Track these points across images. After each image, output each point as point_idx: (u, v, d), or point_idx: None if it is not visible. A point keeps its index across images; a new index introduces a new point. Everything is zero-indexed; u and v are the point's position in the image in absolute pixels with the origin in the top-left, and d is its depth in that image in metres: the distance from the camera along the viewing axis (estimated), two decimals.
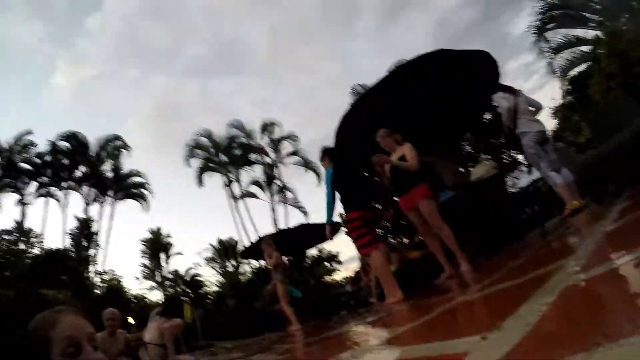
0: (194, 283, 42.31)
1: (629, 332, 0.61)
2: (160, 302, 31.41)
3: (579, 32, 19.62)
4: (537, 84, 57.06)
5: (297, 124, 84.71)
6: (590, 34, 18.37)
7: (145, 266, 42.76)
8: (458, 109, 9.26)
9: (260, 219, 74.68)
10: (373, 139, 6.09)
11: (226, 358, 4.22)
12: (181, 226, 73.57)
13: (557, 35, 20.29)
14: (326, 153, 6.61)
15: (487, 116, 16.94)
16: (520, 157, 17.93)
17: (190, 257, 60.86)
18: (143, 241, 43.22)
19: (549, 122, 30.88)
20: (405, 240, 14.43)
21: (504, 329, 0.96)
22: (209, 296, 40.22)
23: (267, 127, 31.75)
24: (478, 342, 0.92)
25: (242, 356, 3.97)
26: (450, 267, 5.56)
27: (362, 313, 6.09)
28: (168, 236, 43.66)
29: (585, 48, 18.79)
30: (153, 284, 42.49)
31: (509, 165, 17.33)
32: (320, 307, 12.21)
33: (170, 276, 43.29)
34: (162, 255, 43.41)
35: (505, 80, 9.61)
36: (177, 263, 43.90)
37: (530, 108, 6.42)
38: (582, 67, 19.37)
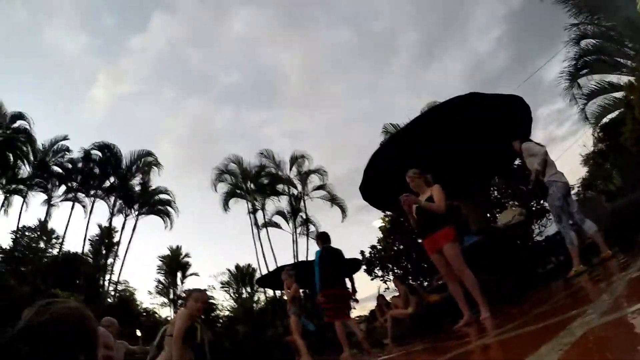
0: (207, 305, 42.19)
1: None
2: (170, 320, 31.26)
3: (613, 78, 19.28)
4: (569, 131, 56.55)
5: (325, 157, 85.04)
6: (623, 79, 18.19)
7: (159, 282, 42.93)
8: (488, 153, 9.23)
9: (280, 249, 74.66)
10: (402, 179, 6.07)
11: None
12: (201, 248, 73.91)
13: (590, 82, 19.99)
14: (319, 237, 7.93)
15: (517, 162, 16.81)
16: (547, 204, 17.67)
17: (205, 279, 60.54)
18: (161, 257, 43.53)
19: (580, 170, 30.60)
20: (425, 283, 14.28)
21: None
22: (220, 320, 40.12)
23: (296, 160, 31.94)
24: None
25: None
26: (470, 313, 5.46)
27: (376, 354, 5.99)
28: (187, 256, 43.83)
29: (619, 94, 18.52)
30: (165, 300, 42.56)
31: (536, 212, 17.10)
32: (332, 343, 12.04)
33: (184, 295, 43.36)
34: (178, 274, 43.49)
35: (536, 126, 9.60)
36: (192, 283, 43.90)
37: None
38: (614, 114, 19.16)
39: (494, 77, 64.84)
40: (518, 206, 13.92)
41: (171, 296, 42.79)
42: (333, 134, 69.68)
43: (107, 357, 2.24)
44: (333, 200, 31.09)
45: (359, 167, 8.81)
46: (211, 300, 42.59)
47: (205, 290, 6.48)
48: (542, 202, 17.60)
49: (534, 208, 17.07)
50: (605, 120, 20.20)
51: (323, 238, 7.77)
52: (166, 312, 41.54)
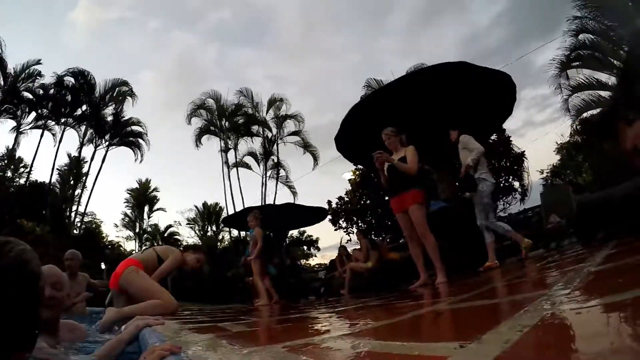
0: (171, 241, 42.24)
1: None
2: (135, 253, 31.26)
3: (602, 76, 19.49)
4: (549, 118, 57.20)
5: (306, 106, 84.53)
6: (612, 80, 18.41)
7: (126, 215, 42.78)
8: (467, 124, 9.26)
9: (249, 191, 74.83)
10: (378, 135, 6.08)
11: (192, 320, 4.20)
12: (170, 183, 73.78)
13: (579, 75, 20.17)
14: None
15: (493, 137, 17.02)
16: (516, 184, 18.04)
17: (172, 215, 60.51)
18: (129, 190, 43.20)
19: (552, 157, 31.06)
20: (387, 240, 14.49)
21: (483, 342, 0.96)
22: None
23: (274, 102, 31.47)
24: (457, 349, 0.92)
25: (208, 321, 3.98)
26: (427, 276, 5.60)
27: (332, 302, 6.12)
28: (155, 190, 43.66)
29: (604, 93, 18.75)
30: (131, 234, 42.55)
31: (504, 189, 17.40)
32: (291, 288, 12.26)
33: (149, 229, 43.31)
34: (146, 208, 43.30)
35: (518, 106, 9.69)
36: (158, 218, 43.92)
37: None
38: (596, 111, 19.37)
39: (488, 52, 64.75)
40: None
41: (137, 230, 42.73)
42: (318, 84, 69.11)
43: (52, 297, 2.22)
44: (306, 147, 30.85)
45: (338, 121, 8.77)
46: (176, 237, 42.74)
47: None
48: (510, 179, 17.95)
49: (502, 185, 17.36)
50: (585, 114, 20.49)
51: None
52: (131, 246, 41.59)
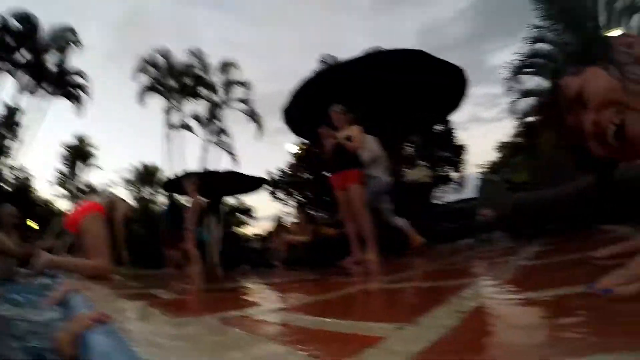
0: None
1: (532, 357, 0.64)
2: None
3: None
4: (495, 117, 58.95)
5: (255, 72, 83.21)
6: None
7: (61, 172, 40.90)
8: (414, 111, 9.42)
9: (189, 154, 73.45)
10: (325, 112, 6.07)
11: (123, 286, 4.09)
12: (109, 141, 70.93)
13: (530, 81, 21.12)
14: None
15: (440, 128, 17.48)
16: (455, 175, 18.62)
17: (109, 174, 58.54)
18: (66, 146, 41.17)
19: (492, 155, 32.23)
20: (324, 216, 14.61)
21: (420, 324, 0.96)
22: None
23: (226, 67, 30.67)
24: (394, 330, 0.92)
25: (140, 287, 3.89)
26: (361, 254, 5.68)
27: (266, 273, 6.14)
28: (92, 147, 41.75)
29: None
30: (65, 192, 40.77)
31: (442, 177, 17.91)
32: (224, 256, 12.18)
33: (84, 188, 41.64)
34: (81, 165, 41.48)
35: (466, 103, 9.95)
36: (94, 176, 42.19)
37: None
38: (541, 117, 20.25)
39: (445, 45, 65.64)
40: (427, 168, 14.45)
41: (71, 188, 41.00)
42: (271, 52, 68.00)
43: None
44: (252, 115, 30.28)
45: (286, 92, 8.71)
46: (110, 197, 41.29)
47: None
48: (448, 169, 18.50)
49: (441, 174, 17.87)
50: (530, 119, 21.44)
51: None
52: (64, 204, 39.91)
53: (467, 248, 5.84)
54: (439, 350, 0.75)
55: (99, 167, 42.17)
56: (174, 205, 14.57)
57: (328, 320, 1.26)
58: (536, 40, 20.64)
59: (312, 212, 15.24)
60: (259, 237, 20.18)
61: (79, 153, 40.91)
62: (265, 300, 2.29)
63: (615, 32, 16.01)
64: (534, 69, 20.96)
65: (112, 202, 4.86)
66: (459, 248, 6.42)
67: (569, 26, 18.88)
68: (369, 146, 6.86)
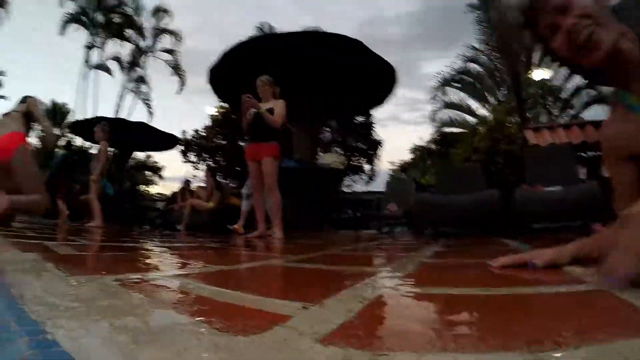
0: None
1: (437, 348, 0.66)
2: None
3: (473, 103, 22.16)
4: (414, 120, 61.11)
5: (185, 24, 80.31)
6: (481, 111, 21.74)
7: None
8: (339, 98, 9.55)
9: (104, 98, 69.82)
10: (251, 80, 6.01)
11: (16, 234, 3.83)
12: (19, 70, 65.51)
13: (454, 95, 22.47)
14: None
15: (361, 119, 17.87)
16: (367, 167, 19.15)
17: (14, 105, 54.08)
18: None
19: (405, 155, 33.59)
20: (232, 185, 14.51)
21: (325, 306, 0.97)
22: None
23: (158, 12, 29.25)
24: (300, 310, 0.92)
25: (34, 237, 3.66)
26: (265, 228, 5.72)
27: (167, 236, 6.00)
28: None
29: (470, 119, 21.10)
30: None
31: (354, 167, 18.33)
32: (125, 213, 11.76)
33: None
34: None
35: (387, 103, 10.24)
36: None
37: None
38: (457, 130, 21.62)
39: (381, 41, 66.52)
40: (342, 155, 14.77)
41: None
42: (211, 8, 65.68)
43: None
44: (176, 68, 29.39)
45: (214, 52, 8.50)
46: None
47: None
48: (362, 160, 18.99)
49: (354, 163, 18.29)
50: (447, 129, 22.64)
51: None
52: None
53: (370, 238, 6.01)
54: (344, 334, 0.75)
55: (3, 97, 38.94)
56: (70, 150, 13.76)
57: (231, 292, 1.25)
58: (469, 59, 21.82)
59: (221, 180, 15.04)
60: (164, 198, 19.58)
61: None
62: (165, 264, 2.22)
63: (542, 72, 17.35)
64: (461, 85, 22.18)
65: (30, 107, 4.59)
66: (361, 236, 6.60)
67: (503, 56, 19.96)
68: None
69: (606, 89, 20.82)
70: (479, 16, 20.88)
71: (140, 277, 1.45)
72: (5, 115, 5.08)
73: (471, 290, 1.28)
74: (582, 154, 8.09)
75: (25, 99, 5.27)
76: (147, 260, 2.42)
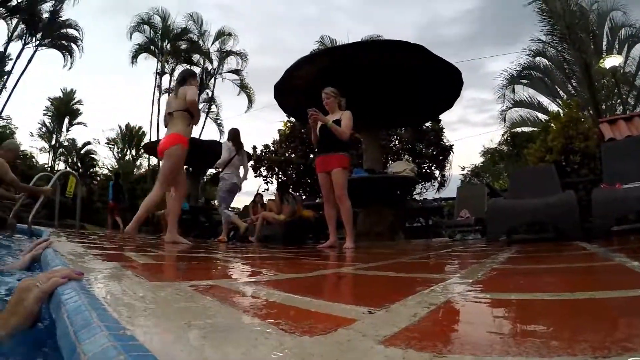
0: (87, 159, 40.38)
1: (498, 351, 0.66)
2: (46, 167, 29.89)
3: (544, 99, 20.89)
4: (483, 122, 59.49)
5: (249, 43, 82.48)
6: (553, 107, 20.17)
7: (44, 124, 40.17)
8: (406, 106, 9.46)
9: None
10: (317, 93, 6.08)
11: (97, 245, 4.05)
12: (96, 98, 69.72)
13: (524, 92, 21.54)
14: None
15: (428, 124, 17.60)
16: (437, 173, 18.78)
17: (93, 131, 57.64)
18: (51, 99, 40.39)
19: (476, 158, 32.71)
20: (303, 197, 14.64)
21: (391, 311, 0.98)
22: (98, 177, 38.61)
23: (222, 35, 30.50)
24: (365, 314, 0.94)
25: (114, 248, 3.86)
26: (336, 238, 5.74)
27: (240, 248, 6.14)
28: (79, 102, 41.03)
29: (542, 116, 20.09)
30: (46, 146, 40.09)
31: (425, 174, 18.04)
32: (201, 227, 12.14)
33: (66, 144, 40.95)
34: (66, 120, 40.74)
35: (456, 105, 10.06)
36: (77, 133, 41.29)
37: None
38: (529, 129, 20.70)
39: (442, 43, 65.45)
40: (412, 162, 14.56)
41: (53, 142, 40.26)
42: (267, 25, 67.16)
43: None
44: (243, 87, 30.43)
45: (279, 68, 8.67)
46: (92, 155, 40.83)
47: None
48: (432, 167, 18.66)
49: (424, 170, 18.00)
50: (518, 129, 21.76)
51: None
52: (44, 159, 39.23)
53: (441, 246, 5.89)
54: (406, 337, 0.76)
55: (83, 124, 41.56)
56: (117, 177, 15.12)
57: (299, 297, 1.26)
58: (536, 53, 20.85)
59: (291, 192, 15.23)
60: (237, 211, 19.97)
61: (64, 107, 40.26)
62: (237, 272, 2.29)
63: (614, 59, 16.21)
64: (529, 81, 21.25)
65: None
66: (433, 245, 6.48)
67: (571, 46, 19.00)
68: (224, 147, 8.17)
69: None
70: (540, 6, 19.89)
71: (213, 283, 1.52)
72: None
73: (541, 295, 1.26)
74: None
75: None
76: (222, 269, 2.50)
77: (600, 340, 0.69)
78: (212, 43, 30.76)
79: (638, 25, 18.96)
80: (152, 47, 29.68)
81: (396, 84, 8.53)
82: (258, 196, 11.84)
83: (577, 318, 0.94)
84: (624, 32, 19.36)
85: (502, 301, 1.23)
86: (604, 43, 19.58)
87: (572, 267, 2.24)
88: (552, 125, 9.93)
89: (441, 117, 18.00)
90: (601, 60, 17.07)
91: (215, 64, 30.99)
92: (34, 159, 36.36)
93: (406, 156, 18.09)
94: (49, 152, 39.70)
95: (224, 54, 30.85)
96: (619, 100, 19.09)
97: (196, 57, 30.59)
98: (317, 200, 11.27)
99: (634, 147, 5.81)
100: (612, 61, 15.78)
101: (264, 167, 19.78)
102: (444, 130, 18.91)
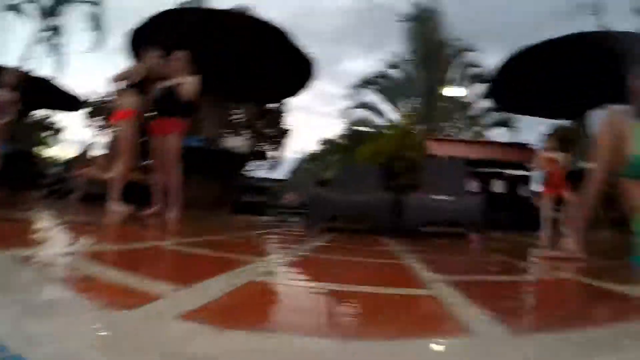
0: None
1: (289, 328, 0.85)
2: None
3: (386, 107, 22.89)
4: (330, 113, 61.47)
5: None
6: (393, 115, 22.90)
7: None
8: (254, 83, 9.52)
9: (15, 44, 62.97)
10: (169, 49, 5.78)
11: None
12: None
13: (370, 96, 23.35)
14: None
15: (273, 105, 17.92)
16: (271, 154, 19.24)
17: None
18: None
19: (313, 147, 33.90)
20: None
21: (195, 289, 1.14)
22: None
23: None
24: (170, 291, 1.07)
25: None
26: (161, 206, 5.60)
27: (59, 205, 5.75)
28: None
29: (378, 120, 22.11)
30: None
31: (258, 153, 18.36)
32: (17, 175, 11.01)
33: None
34: None
35: (305, 94, 10.36)
36: None
37: None
38: (364, 128, 22.38)
39: (314, 32, 65.99)
40: (248, 139, 14.76)
41: None
42: None
43: None
44: (97, 22, 26.74)
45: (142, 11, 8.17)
46: None
47: None
48: (269, 147, 19.10)
49: (260, 149, 18.31)
50: (358, 128, 23.36)
51: None
52: None
53: (263, 226, 6.13)
54: (203, 314, 0.91)
55: None
56: None
57: (116, 272, 1.37)
58: (392, 65, 22.69)
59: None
60: (60, 162, 18.15)
61: None
62: (52, 239, 2.25)
63: (458, 90, 18.68)
64: (378, 87, 23.02)
65: None
66: (255, 223, 6.70)
67: (425, 69, 21.06)
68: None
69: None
70: (409, 27, 21.84)
71: (31, 252, 1.52)
72: None
73: (328, 286, 1.47)
74: (478, 170, 8.82)
75: None
76: (39, 234, 2.41)
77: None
78: None
79: (484, 68, 21.60)
80: None
81: (248, 60, 8.57)
82: (87, 149, 11.00)
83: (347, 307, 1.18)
84: (473, 70, 22.13)
85: (294, 287, 1.45)
86: (458, 75, 22.27)
87: (367, 261, 2.54)
88: (387, 131, 10.78)
89: (286, 101, 18.38)
90: (446, 88, 19.24)
91: None
92: None
93: (244, 132, 18.21)
94: None
95: None
96: (450, 124, 21.81)
97: None
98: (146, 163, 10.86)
99: (449, 167, 6.86)
100: (456, 91, 17.95)
101: (99, 119, 18.39)
102: (285, 114, 19.33)
